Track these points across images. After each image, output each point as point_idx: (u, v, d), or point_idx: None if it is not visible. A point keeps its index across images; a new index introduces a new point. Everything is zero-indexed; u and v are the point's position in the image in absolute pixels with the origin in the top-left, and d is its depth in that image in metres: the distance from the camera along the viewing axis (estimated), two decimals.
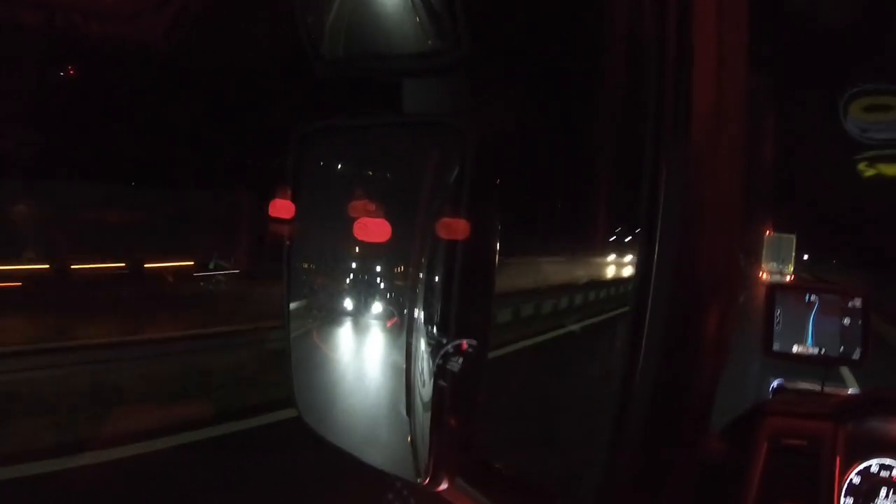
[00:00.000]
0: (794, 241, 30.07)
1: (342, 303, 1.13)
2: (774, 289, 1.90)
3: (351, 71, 1.14)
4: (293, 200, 1.17)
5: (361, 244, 1.08)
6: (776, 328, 1.84)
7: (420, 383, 1.01)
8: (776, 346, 1.85)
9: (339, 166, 1.21)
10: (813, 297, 1.85)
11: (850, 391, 1.94)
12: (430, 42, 1.00)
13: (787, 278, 28.32)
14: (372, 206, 1.05)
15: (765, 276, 28.54)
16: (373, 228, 1.05)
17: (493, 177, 1.01)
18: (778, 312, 1.84)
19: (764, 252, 29.91)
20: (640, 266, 0.99)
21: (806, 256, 37.51)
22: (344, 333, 1.14)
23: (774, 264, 29.44)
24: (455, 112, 1.05)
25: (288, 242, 1.20)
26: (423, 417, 1.01)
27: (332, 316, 1.15)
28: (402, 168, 1.11)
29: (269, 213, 1.17)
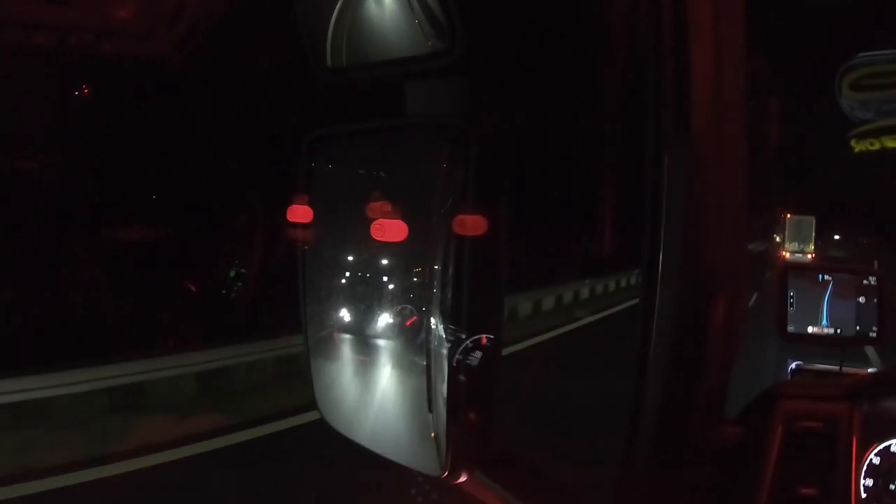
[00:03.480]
0: (814, 222, 30.86)
1: (361, 304, 1.15)
2: (787, 270, 1.88)
3: (354, 77, 1.16)
4: (309, 205, 1.19)
5: (378, 245, 1.09)
6: (790, 310, 1.82)
7: (440, 379, 1.02)
8: (791, 328, 1.84)
9: (351, 170, 1.23)
10: (826, 278, 1.83)
11: (869, 371, 1.93)
12: (429, 44, 1.02)
13: (809, 257, 29.13)
14: (388, 207, 1.07)
15: (787, 255, 29.55)
16: (389, 229, 1.06)
17: (498, 174, 1.02)
18: (791, 294, 1.83)
19: (786, 233, 30.89)
20: (647, 259, 1.00)
21: (837, 237, 37.83)
22: (363, 334, 1.15)
23: (796, 244, 30.48)
24: (457, 112, 1.06)
25: (305, 246, 1.22)
26: (444, 413, 1.02)
27: (351, 317, 1.17)
28: (411, 169, 1.13)
29: (287, 217, 1.18)
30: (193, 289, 10.88)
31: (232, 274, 10.96)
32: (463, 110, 1.06)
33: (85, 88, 10.85)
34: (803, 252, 30.00)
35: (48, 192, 10.42)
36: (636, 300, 1.06)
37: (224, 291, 10.91)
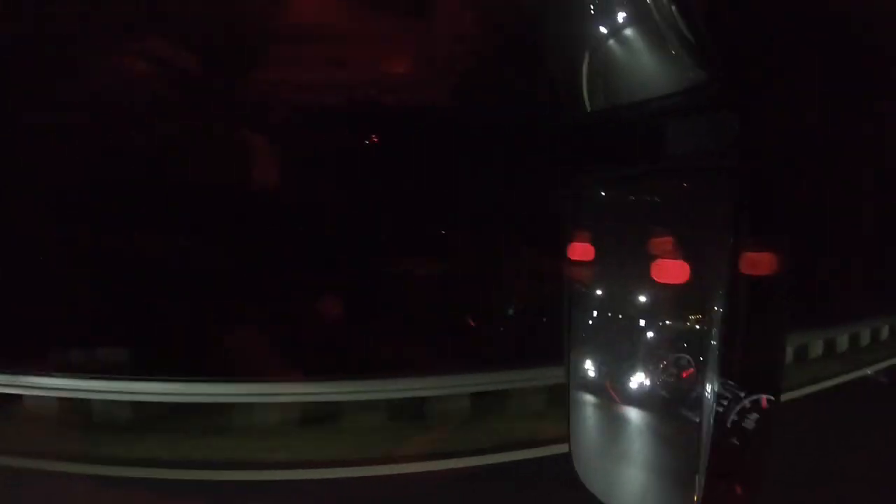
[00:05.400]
0: None
1: (633, 348, 1.09)
2: None
3: (614, 118, 1.13)
4: (590, 244, 1.16)
5: (656, 286, 1.03)
6: None
7: (710, 440, 0.93)
8: None
9: (626, 211, 1.19)
10: None
11: None
12: (689, 75, 0.95)
13: None
14: (669, 245, 1.02)
15: None
16: (670, 269, 1.01)
17: (781, 207, 0.92)
18: None
19: None
20: None
21: None
22: (633, 382, 1.09)
23: None
24: (726, 145, 0.97)
25: (579, 286, 1.19)
26: (712, 478, 0.93)
27: (622, 362, 1.11)
28: (686, 209, 1.06)
29: (569, 256, 1.17)
30: (472, 323, 11.51)
31: (510, 312, 11.50)
32: (733, 143, 0.97)
33: (372, 137, 12.04)
34: None
35: (345, 228, 11.69)
36: None
37: (501, 328, 11.44)
